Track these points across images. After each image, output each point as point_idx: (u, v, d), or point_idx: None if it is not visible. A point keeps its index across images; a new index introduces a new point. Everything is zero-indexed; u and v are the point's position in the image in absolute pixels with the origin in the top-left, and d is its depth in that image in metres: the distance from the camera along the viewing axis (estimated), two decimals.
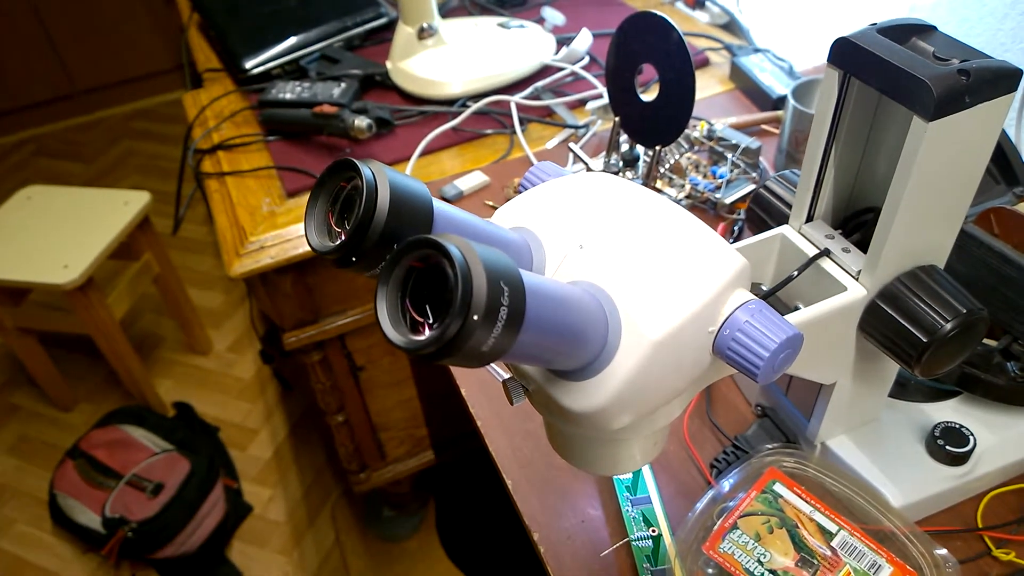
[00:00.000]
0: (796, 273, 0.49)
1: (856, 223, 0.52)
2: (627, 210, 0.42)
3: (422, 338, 0.30)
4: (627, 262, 0.39)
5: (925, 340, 0.45)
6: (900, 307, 0.46)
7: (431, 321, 0.31)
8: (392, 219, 0.34)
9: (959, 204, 0.46)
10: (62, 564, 1.59)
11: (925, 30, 0.44)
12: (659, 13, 0.72)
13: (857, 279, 0.48)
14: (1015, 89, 0.42)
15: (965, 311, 0.45)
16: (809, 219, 0.52)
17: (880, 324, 0.47)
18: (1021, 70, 0.41)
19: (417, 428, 1.29)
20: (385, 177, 0.34)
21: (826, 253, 0.50)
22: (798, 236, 0.52)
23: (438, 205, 0.38)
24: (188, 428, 1.70)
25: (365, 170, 0.34)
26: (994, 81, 0.41)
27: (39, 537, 1.63)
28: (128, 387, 1.79)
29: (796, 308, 0.52)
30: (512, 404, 0.44)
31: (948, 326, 0.44)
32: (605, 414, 0.39)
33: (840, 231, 0.51)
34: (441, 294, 0.30)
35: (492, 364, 0.63)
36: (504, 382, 0.44)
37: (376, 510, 1.58)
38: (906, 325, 0.46)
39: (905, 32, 0.44)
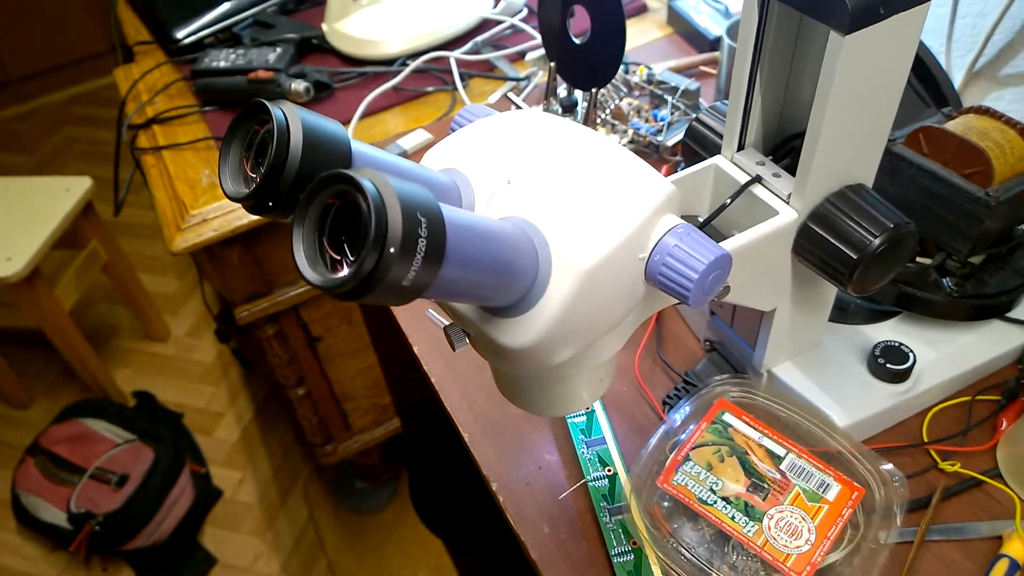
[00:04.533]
0: (729, 201, 0.49)
1: (786, 149, 0.52)
2: (554, 144, 0.42)
3: (339, 275, 0.30)
4: (554, 194, 0.39)
5: (855, 257, 0.45)
6: (830, 226, 0.47)
7: (350, 259, 0.31)
8: (307, 160, 0.33)
9: (882, 119, 0.47)
10: (30, 564, 1.56)
11: None
12: None
13: (788, 202, 0.48)
14: None
15: (893, 226, 0.45)
16: (740, 148, 0.52)
17: (812, 245, 0.48)
18: None
19: (381, 396, 1.29)
20: (297, 117, 0.33)
21: (757, 180, 0.50)
22: (730, 165, 0.52)
23: (357, 146, 0.37)
24: (150, 416, 1.68)
25: (276, 111, 0.33)
26: None
27: (4, 539, 1.61)
28: (85, 379, 1.75)
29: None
30: (454, 350, 0.44)
31: (876, 241, 0.45)
32: (541, 348, 0.39)
33: (771, 157, 0.52)
34: (359, 230, 0.30)
35: (434, 312, 0.62)
36: (445, 328, 0.44)
37: (348, 483, 1.58)
38: (836, 244, 0.46)
39: None
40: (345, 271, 0.30)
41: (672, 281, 0.38)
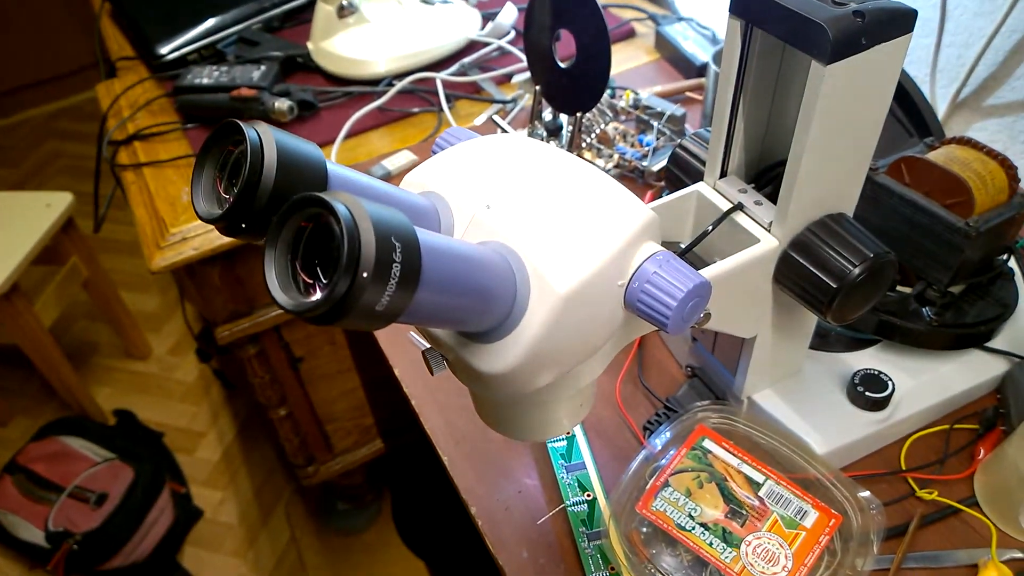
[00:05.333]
0: (711, 228, 0.49)
1: (769, 177, 0.53)
2: (534, 169, 0.42)
3: (311, 299, 0.29)
4: (534, 219, 0.39)
5: (835, 286, 0.45)
6: (810, 255, 0.47)
7: (323, 283, 0.30)
8: (281, 181, 0.33)
9: (864, 149, 0.47)
10: None
11: None
12: None
13: (769, 231, 0.48)
14: (911, 30, 0.42)
15: (872, 255, 0.45)
16: (723, 175, 0.52)
17: (792, 273, 0.48)
18: (915, 11, 0.42)
19: (363, 417, 1.27)
20: (271, 138, 0.33)
21: (739, 207, 0.50)
22: (712, 192, 0.52)
23: (334, 168, 0.36)
24: (130, 435, 1.66)
25: (249, 131, 0.33)
26: (889, 22, 0.41)
27: None
28: (64, 397, 1.73)
29: None
30: (432, 374, 0.44)
31: (856, 271, 0.45)
32: (520, 374, 0.38)
33: (753, 185, 0.52)
34: (332, 254, 0.29)
35: (415, 335, 0.62)
36: (423, 352, 0.43)
37: (330, 504, 1.56)
38: (816, 272, 0.46)
39: None
40: (317, 295, 0.30)
41: (651, 308, 0.38)
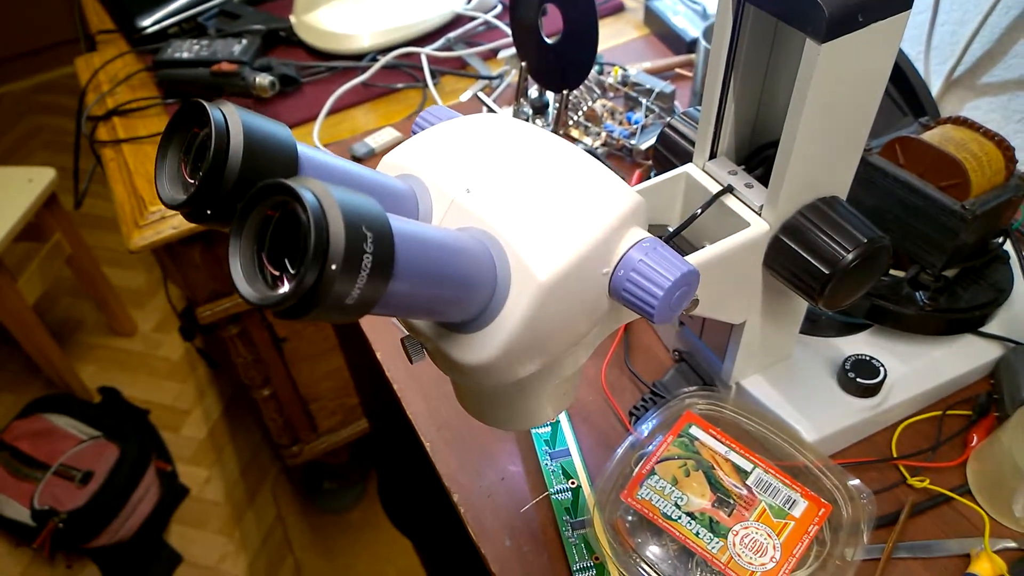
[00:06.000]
0: (700, 211, 0.48)
1: (760, 158, 0.51)
2: (517, 151, 0.40)
3: (278, 292, 0.28)
4: (515, 204, 0.37)
5: (827, 272, 0.44)
6: (802, 240, 0.45)
7: (291, 274, 0.29)
8: (248, 165, 0.31)
9: (858, 131, 0.45)
10: None
11: None
12: None
13: (760, 214, 0.47)
14: (909, 7, 0.40)
15: (866, 240, 0.44)
16: (712, 156, 0.51)
17: (784, 259, 0.46)
18: None
19: (348, 397, 1.26)
20: (237, 119, 0.31)
21: (729, 190, 0.48)
22: (702, 174, 0.50)
23: (306, 151, 0.35)
24: (115, 413, 1.65)
25: (214, 112, 0.31)
26: None
27: None
28: (48, 375, 1.72)
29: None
30: (411, 363, 0.43)
31: (850, 256, 0.44)
32: (500, 364, 0.37)
33: (744, 167, 0.50)
34: (299, 244, 0.28)
35: (397, 320, 0.60)
36: (402, 340, 0.42)
37: (316, 483, 1.56)
38: (808, 258, 0.45)
39: None
40: (285, 288, 0.28)
41: (636, 297, 0.36)
